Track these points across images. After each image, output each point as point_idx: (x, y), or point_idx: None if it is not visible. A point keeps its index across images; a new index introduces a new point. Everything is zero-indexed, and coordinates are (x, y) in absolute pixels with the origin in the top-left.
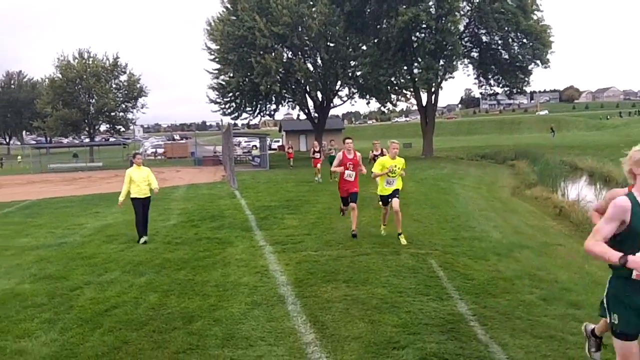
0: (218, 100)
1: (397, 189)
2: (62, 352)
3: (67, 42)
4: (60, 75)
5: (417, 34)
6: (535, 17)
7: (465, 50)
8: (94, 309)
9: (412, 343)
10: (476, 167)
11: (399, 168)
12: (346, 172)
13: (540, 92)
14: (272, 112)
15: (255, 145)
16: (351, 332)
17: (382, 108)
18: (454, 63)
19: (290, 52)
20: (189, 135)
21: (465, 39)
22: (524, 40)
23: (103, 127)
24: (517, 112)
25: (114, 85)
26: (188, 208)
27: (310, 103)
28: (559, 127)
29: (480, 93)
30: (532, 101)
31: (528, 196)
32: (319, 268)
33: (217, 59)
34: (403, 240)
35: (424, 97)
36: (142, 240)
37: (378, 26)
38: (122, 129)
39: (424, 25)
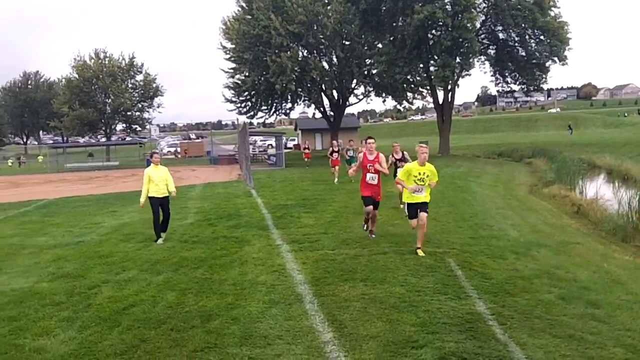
0: (234, 99)
1: (426, 202)
2: (81, 350)
3: (83, 42)
4: (76, 75)
5: (433, 31)
6: (552, 14)
7: (481, 47)
8: (112, 307)
9: (431, 342)
10: (493, 165)
11: (427, 176)
12: (368, 174)
13: (557, 89)
14: (288, 111)
15: (271, 144)
16: (369, 331)
17: (398, 106)
18: (471, 60)
19: (306, 51)
20: (204, 134)
21: (482, 36)
22: (541, 37)
23: (119, 127)
24: (534, 110)
25: (130, 85)
26: (204, 207)
27: (325, 101)
28: (577, 125)
29: (497, 91)
30: (549, 98)
31: (545, 194)
32: (336, 267)
33: (232, 58)
34: (421, 253)
35: (440, 94)
36: (160, 240)
37: (394, 24)
38: (139, 129)
39: (440, 23)
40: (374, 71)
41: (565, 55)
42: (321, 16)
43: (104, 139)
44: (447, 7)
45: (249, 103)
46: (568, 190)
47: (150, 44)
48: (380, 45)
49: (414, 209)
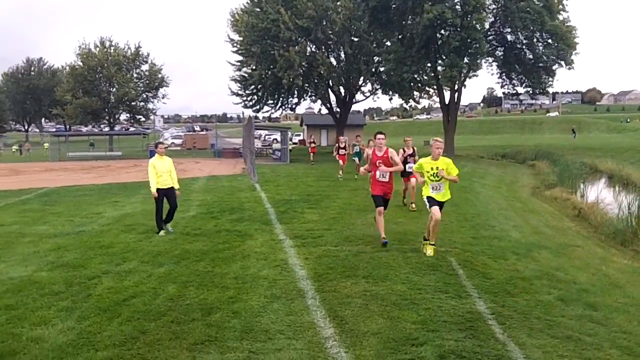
0: (240, 92)
1: (443, 203)
2: (79, 340)
3: (89, 30)
4: (81, 63)
5: (442, 31)
6: (560, 18)
7: (489, 48)
8: (112, 298)
9: (431, 340)
10: (496, 167)
11: (442, 170)
12: (378, 172)
13: (562, 93)
14: (294, 106)
15: (276, 139)
16: (370, 327)
17: (405, 105)
18: (478, 61)
19: (314, 46)
20: (209, 127)
21: (490, 37)
22: (549, 41)
23: (123, 117)
24: (539, 113)
25: (135, 75)
26: (207, 200)
27: (332, 98)
28: (580, 129)
29: (503, 92)
30: (554, 102)
31: (548, 197)
32: (338, 263)
33: (240, 51)
34: (430, 252)
35: (446, 94)
36: (162, 232)
37: (403, 22)
38: (142, 119)
39: (449, 23)
40: (382, 69)
41: (572, 59)
42: (330, 12)
43: (107, 129)
44: (456, 7)
45: (255, 97)
46: (570, 194)
47: (157, 35)
48: (388, 43)
49: (436, 202)
